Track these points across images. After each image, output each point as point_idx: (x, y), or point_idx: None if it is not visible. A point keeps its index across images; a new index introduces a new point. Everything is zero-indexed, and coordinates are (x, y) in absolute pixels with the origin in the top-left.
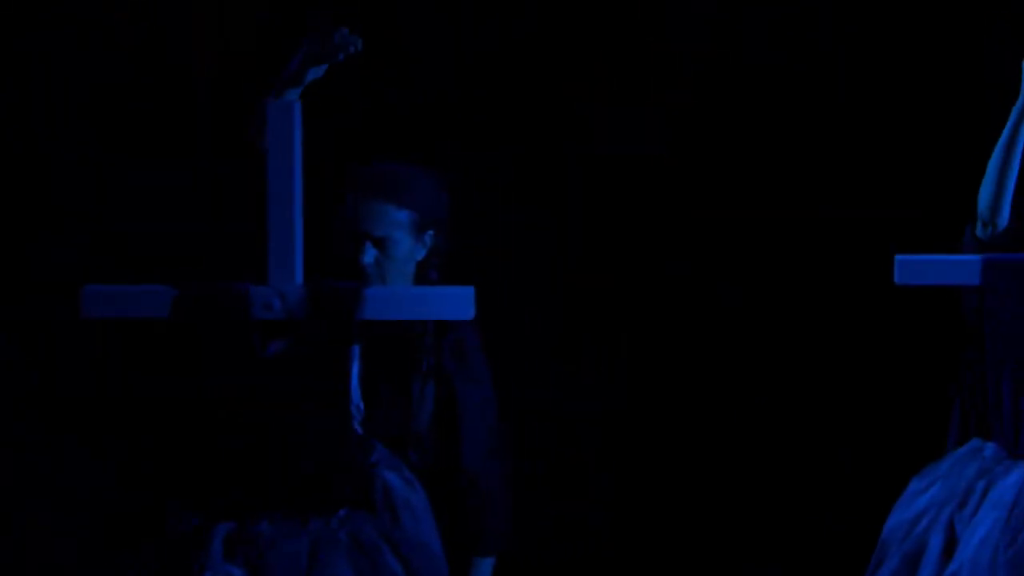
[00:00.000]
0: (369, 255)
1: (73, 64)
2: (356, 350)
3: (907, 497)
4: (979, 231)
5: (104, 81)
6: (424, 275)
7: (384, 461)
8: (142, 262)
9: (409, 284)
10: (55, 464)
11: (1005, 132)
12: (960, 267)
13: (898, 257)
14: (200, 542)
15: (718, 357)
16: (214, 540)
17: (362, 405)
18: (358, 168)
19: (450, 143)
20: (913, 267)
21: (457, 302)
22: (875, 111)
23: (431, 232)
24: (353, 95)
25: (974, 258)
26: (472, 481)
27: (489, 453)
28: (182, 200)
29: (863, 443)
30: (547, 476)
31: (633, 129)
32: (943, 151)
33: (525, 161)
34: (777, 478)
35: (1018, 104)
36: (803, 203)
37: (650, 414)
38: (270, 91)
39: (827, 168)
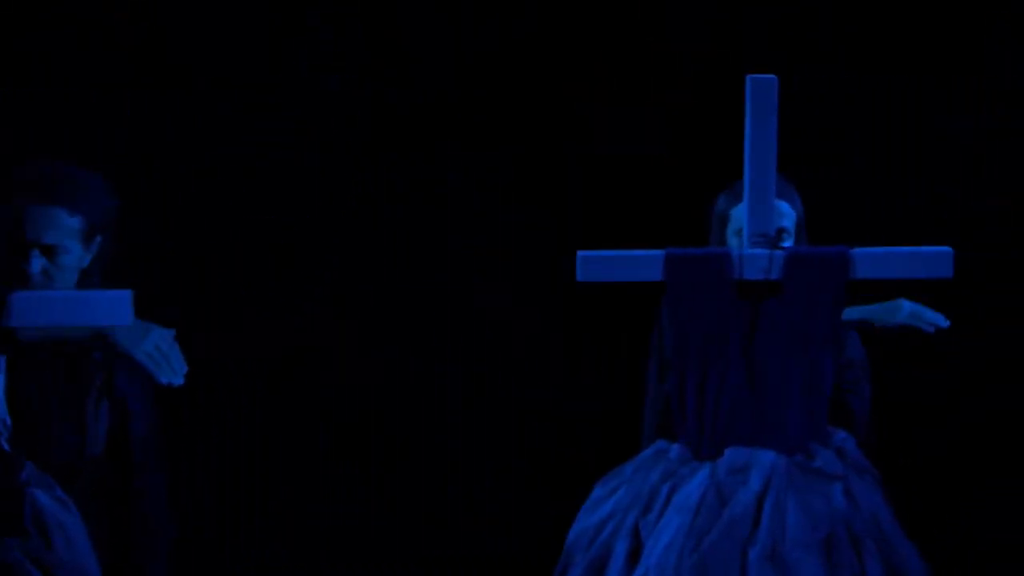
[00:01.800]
0: (36, 264)
1: (73, 64)
2: (2, 361)
3: (591, 503)
4: None
5: (104, 81)
6: (88, 281)
7: (35, 480)
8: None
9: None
10: None
11: None
12: (642, 262)
13: (580, 253)
14: None
15: None
16: None
17: (9, 420)
18: (22, 170)
19: (450, 143)
20: (595, 263)
21: (114, 306)
22: (875, 111)
23: (99, 238)
24: (353, 95)
25: (657, 253)
26: (142, 503)
27: (158, 474)
28: None
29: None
30: (547, 476)
31: (633, 129)
32: (942, 150)
33: (525, 161)
34: None
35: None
36: (802, 203)
37: None
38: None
39: (826, 168)
